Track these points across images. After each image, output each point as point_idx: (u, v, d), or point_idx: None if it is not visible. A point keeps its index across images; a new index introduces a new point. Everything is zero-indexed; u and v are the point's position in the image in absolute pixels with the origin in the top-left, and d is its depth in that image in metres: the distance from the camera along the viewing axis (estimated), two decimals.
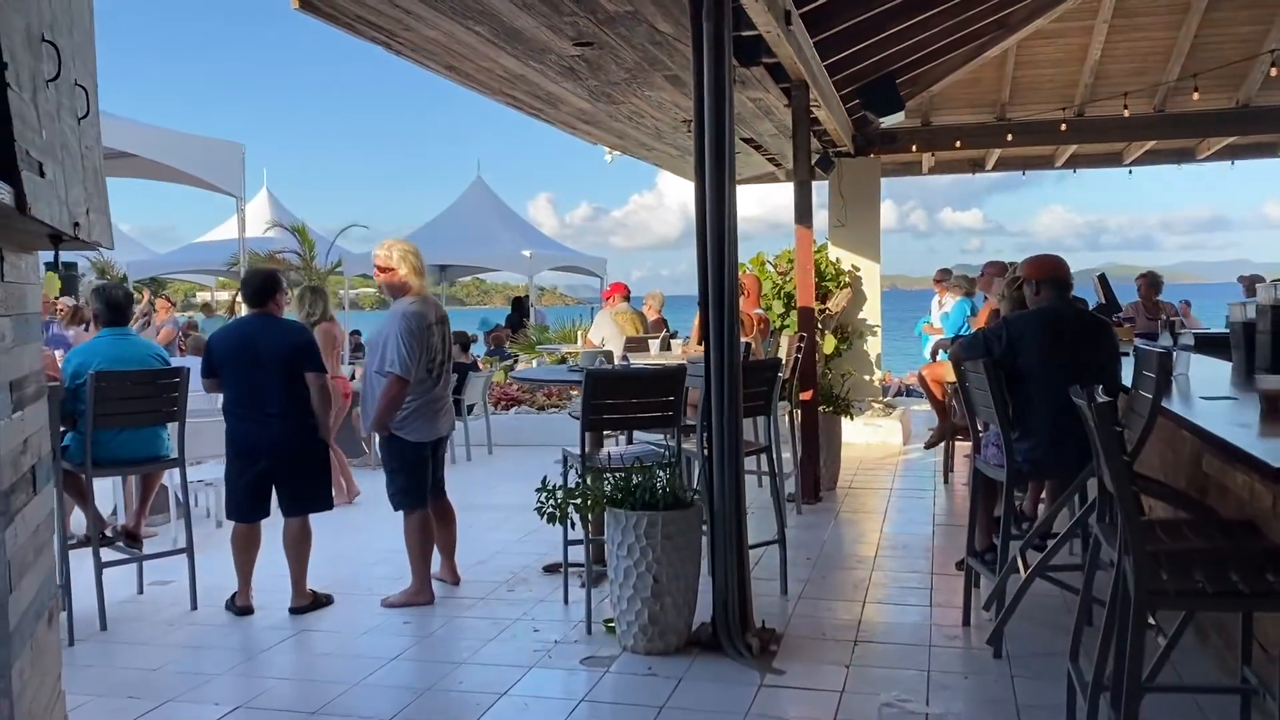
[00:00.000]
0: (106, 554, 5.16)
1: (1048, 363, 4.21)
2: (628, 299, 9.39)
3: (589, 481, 4.56)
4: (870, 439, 9.74)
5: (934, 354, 6.57)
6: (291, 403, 4.91)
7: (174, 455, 5.26)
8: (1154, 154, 12.03)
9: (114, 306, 5.24)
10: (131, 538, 5.37)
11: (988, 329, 4.39)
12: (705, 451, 4.67)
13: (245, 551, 5.06)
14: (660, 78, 6.76)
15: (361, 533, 6.60)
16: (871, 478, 8.23)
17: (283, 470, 4.99)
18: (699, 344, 4.58)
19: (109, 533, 5.34)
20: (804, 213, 7.22)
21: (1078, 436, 4.14)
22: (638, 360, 6.26)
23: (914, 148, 10.92)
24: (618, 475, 4.47)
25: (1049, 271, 4.37)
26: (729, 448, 4.38)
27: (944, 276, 11.44)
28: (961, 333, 10.30)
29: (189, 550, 5.21)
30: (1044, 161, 12.61)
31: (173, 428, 5.22)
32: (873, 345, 11.09)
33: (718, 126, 4.42)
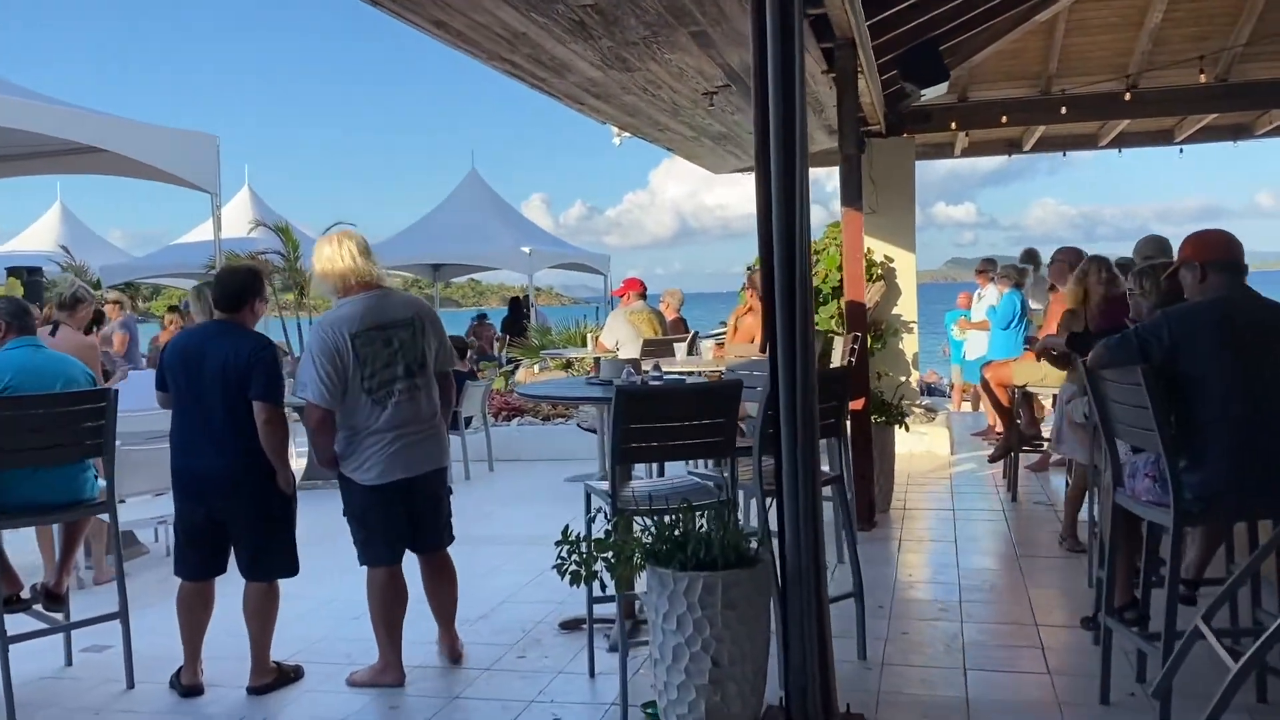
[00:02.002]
0: (19, 622, 4.17)
1: (1228, 370, 3.21)
2: (644, 297, 8.39)
3: (620, 529, 3.57)
4: (914, 448, 8.73)
5: (1039, 355, 5.57)
6: (240, 433, 3.90)
7: (100, 498, 4.25)
8: (1209, 130, 11.02)
9: (23, 311, 4.25)
10: (54, 599, 4.36)
11: (1142, 327, 3.39)
12: (765, 487, 3.70)
13: (191, 616, 4.05)
14: (685, 35, 5.76)
15: (339, 576, 5.56)
16: (926, 496, 7.24)
17: (232, 520, 3.98)
18: (763, 346, 3.57)
19: (25, 594, 4.34)
20: (852, 193, 6.24)
21: (1266, 466, 3.17)
22: (667, 369, 5.25)
23: (952, 125, 9.90)
24: (656, 519, 3.47)
25: (1218, 251, 3.37)
26: (805, 483, 3.39)
27: (988, 267, 10.49)
28: (1012, 327, 9.35)
29: (123, 614, 4.19)
30: (1087, 141, 11.60)
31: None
32: (909, 343, 10.05)
33: (785, 80, 3.40)
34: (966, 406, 13.65)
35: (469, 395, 8.70)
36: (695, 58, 6.25)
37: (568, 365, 10.73)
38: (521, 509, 7.44)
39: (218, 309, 4.03)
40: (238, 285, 4.01)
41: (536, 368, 11.96)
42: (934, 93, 8.52)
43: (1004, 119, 9.61)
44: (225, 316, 3.99)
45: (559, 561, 3.49)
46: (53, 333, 6.38)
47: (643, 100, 7.47)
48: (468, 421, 8.85)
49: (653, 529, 3.40)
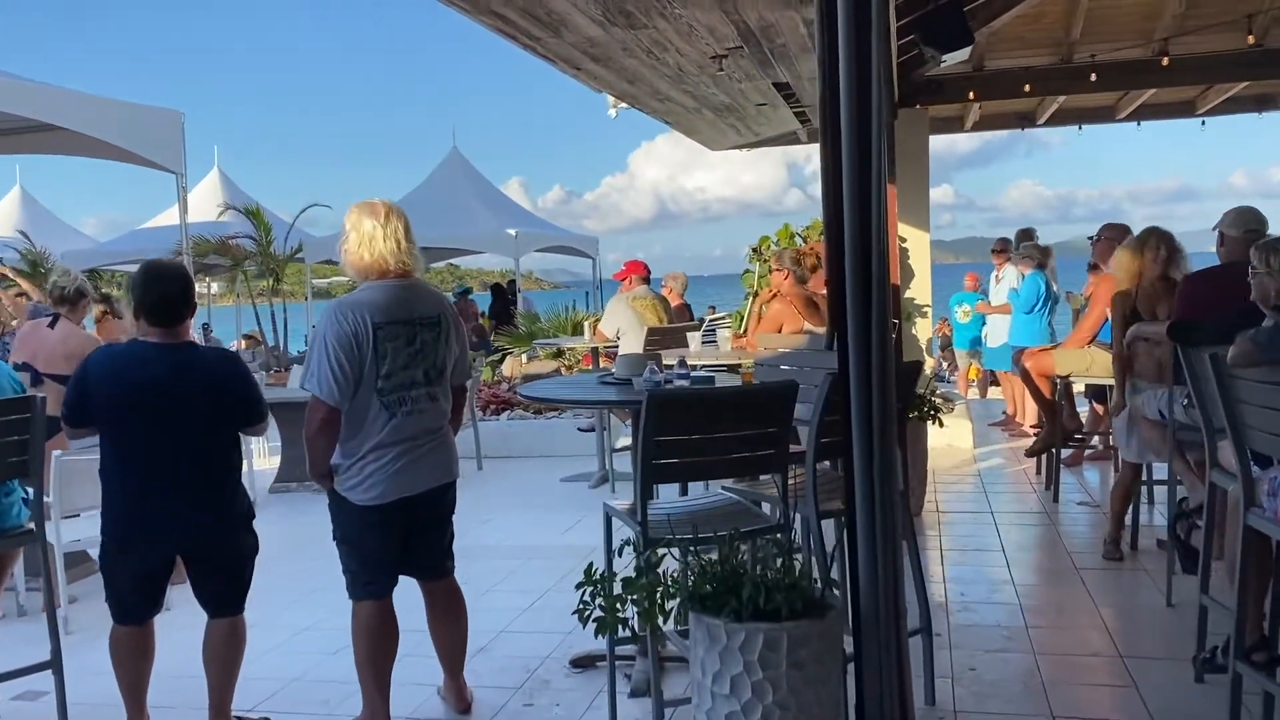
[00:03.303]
0: None
1: None
2: (647, 281, 7.70)
3: (651, 562, 2.94)
4: (935, 442, 8.10)
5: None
6: (215, 472, 3.28)
7: (28, 525, 3.59)
8: (1234, 101, 10.45)
9: None
10: None
11: None
12: (821, 507, 3.08)
13: (133, 665, 3.38)
14: None
15: (317, 598, 4.93)
16: (958, 496, 6.65)
17: (203, 562, 3.35)
18: (830, 338, 2.91)
19: None
20: (889, 162, 5.58)
21: None
22: (691, 363, 4.60)
23: (970, 95, 9.28)
24: (694, 552, 2.84)
25: None
26: (883, 504, 2.76)
27: (1005, 246, 9.89)
28: (1037, 311, 8.76)
29: (55, 662, 3.54)
30: (1105, 114, 11.02)
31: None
32: (922, 328, 9.45)
33: (858, 19, 2.77)
34: (973, 393, 13.12)
35: None
36: (708, 13, 5.61)
37: (559, 355, 10.07)
38: (515, 515, 6.81)
39: (153, 321, 3.22)
40: (180, 290, 3.28)
41: (525, 357, 11.31)
42: (955, 58, 7.90)
43: (1027, 88, 8.99)
44: (165, 333, 3.25)
45: (581, 607, 2.85)
46: (51, 325, 5.71)
47: (645, 65, 6.82)
48: None
49: (693, 565, 2.77)
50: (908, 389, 3.75)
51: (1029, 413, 8.68)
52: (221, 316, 21.69)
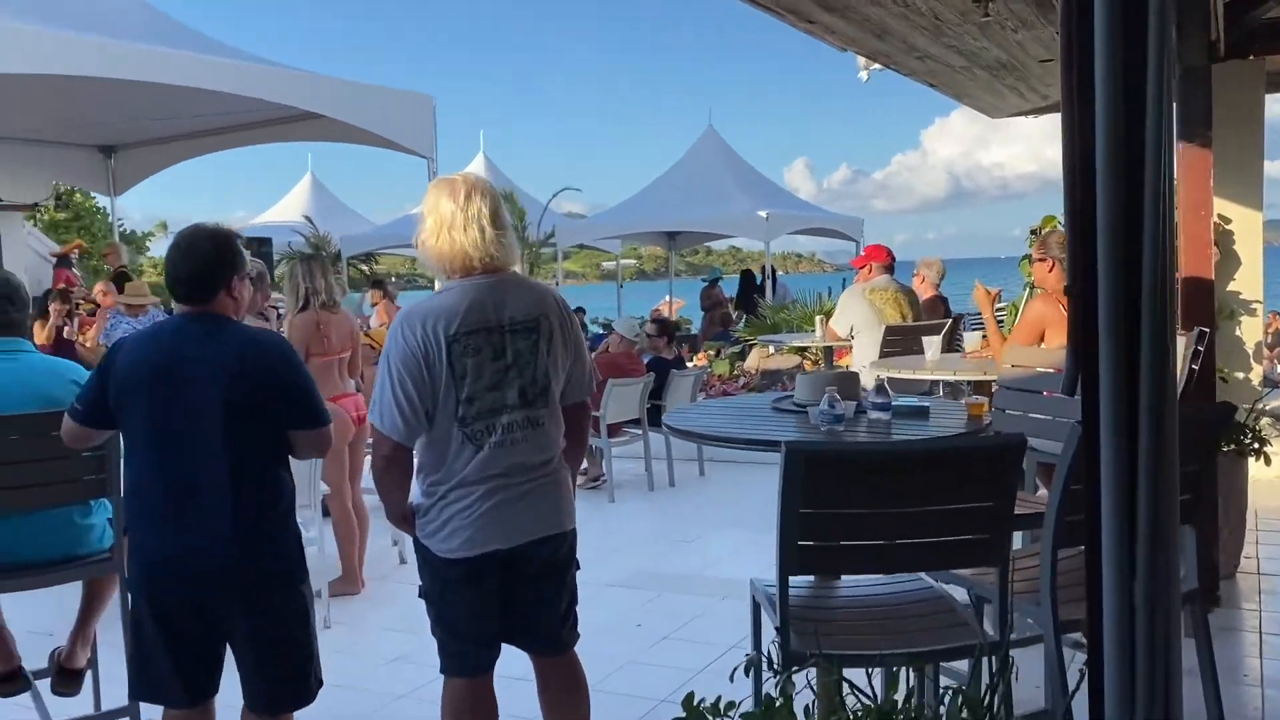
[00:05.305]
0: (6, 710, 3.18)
1: None
2: (890, 270, 6.60)
3: (793, 686, 2.04)
4: (1259, 474, 6.50)
5: None
6: (251, 490, 2.60)
7: (106, 552, 3.16)
8: None
9: (3, 301, 3.18)
10: (66, 674, 3.33)
11: None
12: (1062, 616, 2.06)
13: None
14: None
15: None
16: None
17: (240, 629, 2.63)
18: (1070, 383, 1.87)
19: (28, 672, 3.31)
20: (1196, 121, 4.30)
21: None
22: (906, 375, 3.59)
23: None
24: (846, 679, 1.91)
25: None
26: (1150, 625, 1.73)
27: None
28: None
29: (133, 712, 3.10)
30: None
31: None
32: (1250, 330, 7.71)
33: None
34: None
35: (676, 387, 7.33)
36: None
37: (801, 352, 9.12)
38: (725, 536, 6.00)
39: (179, 296, 2.64)
40: (200, 259, 2.65)
41: (772, 348, 10.42)
42: None
43: None
44: (192, 309, 2.64)
45: None
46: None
47: (892, 14, 5.74)
48: None
49: (847, 709, 1.85)
50: (1205, 440, 2.60)
51: None
52: None
